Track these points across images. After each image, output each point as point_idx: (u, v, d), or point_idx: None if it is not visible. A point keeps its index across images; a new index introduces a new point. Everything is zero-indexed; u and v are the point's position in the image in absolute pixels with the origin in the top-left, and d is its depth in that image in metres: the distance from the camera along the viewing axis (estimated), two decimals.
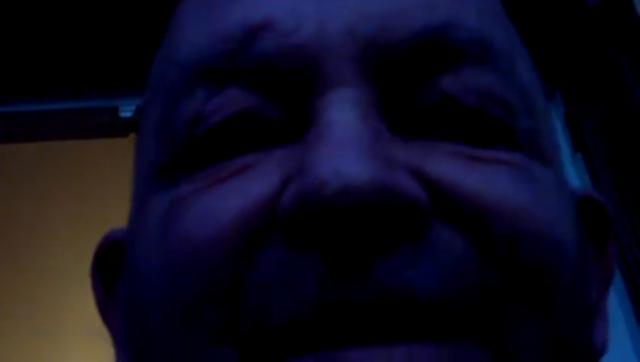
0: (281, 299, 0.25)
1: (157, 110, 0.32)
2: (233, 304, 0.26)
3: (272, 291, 0.26)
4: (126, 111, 1.53)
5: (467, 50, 0.29)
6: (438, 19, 0.29)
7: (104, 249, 0.38)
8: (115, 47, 1.51)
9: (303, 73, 0.28)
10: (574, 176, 1.46)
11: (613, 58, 1.44)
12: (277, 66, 0.29)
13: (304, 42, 0.29)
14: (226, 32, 0.30)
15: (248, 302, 0.26)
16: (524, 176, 0.29)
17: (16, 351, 1.35)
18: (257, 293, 0.26)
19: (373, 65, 0.28)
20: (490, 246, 0.26)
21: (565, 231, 0.29)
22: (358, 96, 0.28)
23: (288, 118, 0.29)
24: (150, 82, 0.35)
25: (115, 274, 0.36)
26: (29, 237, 1.45)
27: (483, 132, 0.29)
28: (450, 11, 0.30)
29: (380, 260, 0.25)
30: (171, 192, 0.29)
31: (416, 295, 0.25)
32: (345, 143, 0.26)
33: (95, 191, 1.48)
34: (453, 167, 0.27)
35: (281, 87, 0.29)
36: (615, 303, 1.29)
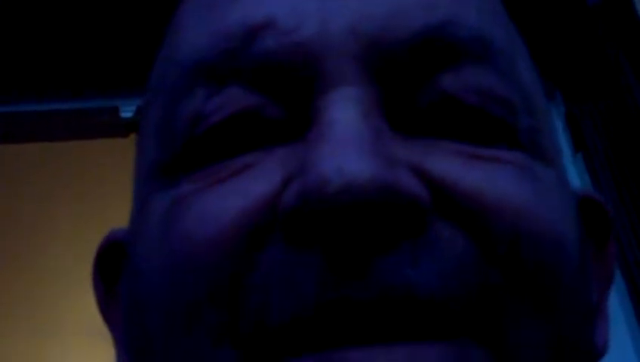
0: (282, 297, 0.25)
1: (158, 110, 0.32)
2: (233, 304, 0.26)
3: (272, 290, 0.26)
4: (126, 112, 1.53)
5: (467, 48, 0.29)
6: (438, 18, 0.29)
7: (105, 249, 0.38)
8: (115, 48, 1.51)
9: (304, 72, 0.28)
10: (575, 176, 1.46)
11: (614, 58, 1.44)
12: (278, 65, 0.29)
13: (305, 41, 0.29)
14: (227, 31, 0.30)
15: (249, 302, 0.26)
16: (526, 175, 0.29)
17: (16, 351, 1.35)
18: (258, 293, 0.26)
19: (375, 64, 0.28)
20: (491, 245, 0.26)
21: (566, 230, 0.29)
22: (359, 95, 0.28)
23: (289, 117, 0.29)
24: (151, 83, 0.35)
25: (116, 274, 0.36)
26: (29, 237, 1.45)
27: (484, 131, 0.29)
28: (451, 10, 0.30)
29: (381, 258, 0.25)
30: (172, 192, 0.29)
31: (417, 293, 0.25)
32: (347, 142, 0.26)
33: (95, 191, 1.48)
34: (454, 166, 0.27)
35: (282, 85, 0.29)
36: (616, 303, 1.29)
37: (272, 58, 0.29)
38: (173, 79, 0.31)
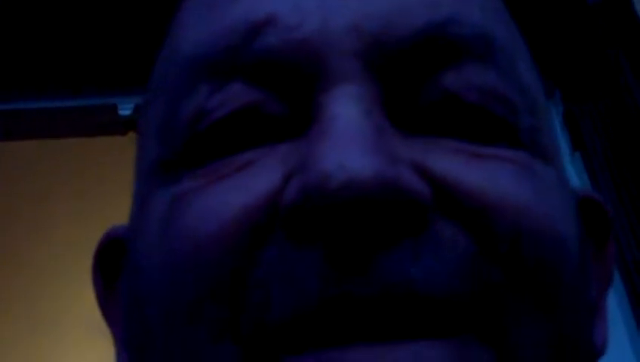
0: (283, 294, 0.25)
1: (159, 108, 0.32)
2: (234, 300, 0.26)
3: (273, 286, 0.26)
4: (125, 110, 1.53)
5: (469, 46, 0.29)
6: (440, 16, 0.29)
7: (105, 246, 0.38)
8: (114, 46, 1.51)
9: (306, 69, 0.28)
10: (573, 176, 1.46)
11: (613, 57, 1.44)
12: (280, 61, 0.29)
13: (307, 37, 0.29)
14: (229, 28, 0.30)
15: (250, 298, 0.26)
16: (527, 174, 0.29)
17: (16, 347, 1.35)
18: (259, 289, 0.26)
19: (377, 61, 0.28)
20: (492, 243, 0.26)
21: (567, 229, 0.29)
22: (361, 92, 0.28)
23: (291, 114, 0.29)
24: (152, 81, 0.35)
25: (116, 270, 0.36)
26: (28, 235, 1.45)
27: (485, 129, 0.29)
28: (453, 8, 0.30)
29: (383, 255, 0.25)
30: (173, 188, 0.29)
31: (419, 290, 0.25)
32: (348, 138, 0.26)
33: (94, 188, 1.48)
34: (455, 164, 0.27)
35: (284, 82, 0.29)
36: (614, 303, 1.29)
37: (274, 54, 0.29)
38: (174, 77, 0.31)
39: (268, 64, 0.29)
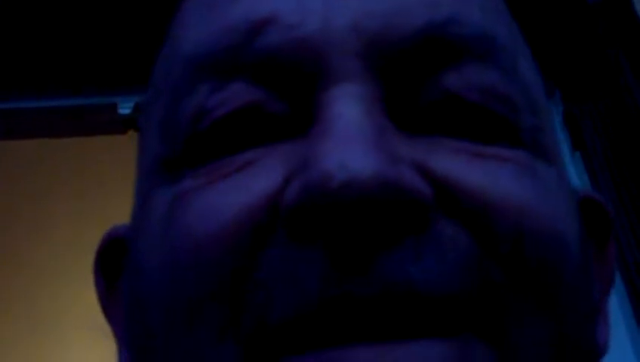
0: (284, 294, 0.25)
1: (161, 107, 0.32)
2: (235, 301, 0.26)
3: (274, 287, 0.26)
4: (125, 108, 1.53)
5: (470, 46, 0.29)
6: (441, 16, 0.29)
7: (107, 245, 0.38)
8: (113, 45, 1.51)
9: (307, 68, 0.28)
10: (573, 176, 1.46)
11: (613, 57, 1.44)
12: (281, 60, 0.29)
13: (308, 37, 0.29)
14: (230, 26, 0.30)
15: (251, 298, 0.26)
16: (528, 174, 0.29)
17: (17, 347, 1.36)
18: (260, 289, 0.26)
19: (378, 61, 0.28)
20: (493, 243, 0.26)
21: (568, 229, 0.29)
22: (362, 91, 0.28)
23: (292, 113, 0.29)
24: (153, 80, 0.35)
25: (118, 270, 0.36)
26: (28, 234, 1.46)
27: (486, 129, 0.29)
28: (453, 8, 0.30)
29: (384, 254, 0.25)
30: (174, 187, 0.29)
31: (420, 290, 0.25)
32: (349, 138, 0.26)
33: (94, 187, 1.48)
34: (456, 164, 0.27)
35: (285, 81, 0.29)
36: (614, 304, 1.29)
37: (276, 53, 0.29)
38: (176, 76, 0.31)
39: (269, 63, 0.29)
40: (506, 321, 0.26)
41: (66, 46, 1.52)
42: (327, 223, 0.25)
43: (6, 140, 1.54)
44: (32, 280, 1.41)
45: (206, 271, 0.27)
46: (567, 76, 1.52)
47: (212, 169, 0.29)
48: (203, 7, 0.32)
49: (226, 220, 0.27)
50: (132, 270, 0.32)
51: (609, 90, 1.45)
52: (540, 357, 0.27)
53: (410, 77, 0.29)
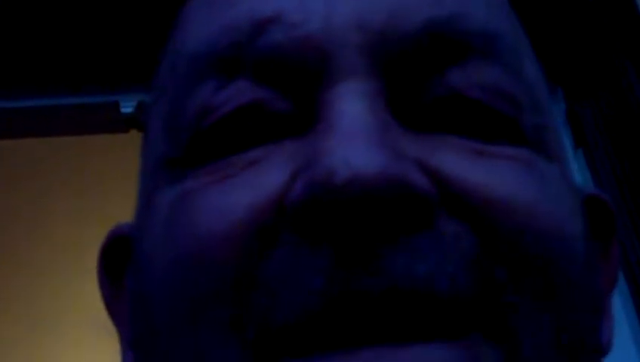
0: (290, 293, 0.25)
1: (165, 105, 0.32)
2: (240, 301, 0.26)
3: (280, 286, 0.25)
4: (127, 107, 1.53)
5: (474, 43, 0.29)
6: (445, 13, 0.29)
7: (110, 243, 0.37)
8: (115, 43, 1.51)
9: (311, 65, 0.28)
10: (575, 173, 1.45)
11: (615, 55, 1.44)
12: (285, 58, 0.29)
13: (312, 34, 0.29)
14: (235, 24, 0.30)
15: (257, 298, 0.26)
16: (531, 172, 0.29)
17: (18, 346, 1.36)
18: (266, 289, 0.26)
19: (381, 58, 0.28)
20: (497, 242, 0.26)
21: (572, 227, 0.29)
22: (366, 88, 0.27)
23: (297, 111, 0.29)
24: (157, 79, 0.35)
25: (122, 268, 0.36)
26: (29, 232, 1.46)
27: (490, 127, 0.29)
28: (456, 5, 0.30)
29: (388, 251, 0.25)
30: (178, 186, 0.29)
31: (423, 288, 0.25)
32: (354, 134, 0.26)
33: (95, 186, 1.48)
34: (460, 162, 0.27)
35: (289, 79, 0.29)
36: (617, 303, 1.29)
37: (280, 51, 0.29)
38: (179, 73, 0.31)
39: (272, 61, 0.29)
40: (510, 320, 0.26)
41: (68, 44, 1.51)
42: (331, 220, 0.25)
43: (7, 139, 1.54)
44: (32, 278, 1.41)
45: (211, 270, 0.27)
46: (569, 73, 1.52)
47: (217, 168, 0.28)
48: (207, 5, 0.32)
49: (233, 220, 0.27)
50: (136, 268, 0.32)
51: (610, 87, 1.44)
52: (545, 356, 0.27)
53: (414, 74, 0.29)
